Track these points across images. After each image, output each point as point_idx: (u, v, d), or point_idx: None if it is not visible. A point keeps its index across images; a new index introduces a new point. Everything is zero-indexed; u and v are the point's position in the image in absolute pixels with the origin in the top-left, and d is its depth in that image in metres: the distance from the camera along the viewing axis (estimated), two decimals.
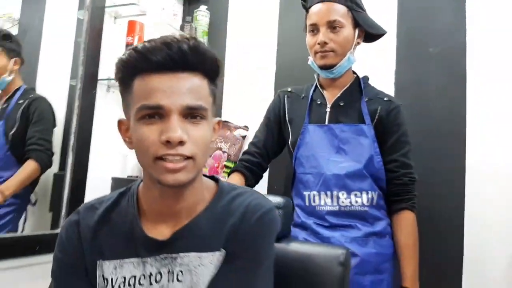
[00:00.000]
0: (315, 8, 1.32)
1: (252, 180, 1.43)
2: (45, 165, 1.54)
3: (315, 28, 1.33)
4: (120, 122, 0.76)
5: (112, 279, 0.74)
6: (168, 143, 0.67)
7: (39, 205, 1.57)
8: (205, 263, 0.74)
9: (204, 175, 0.82)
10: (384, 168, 1.32)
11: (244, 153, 1.50)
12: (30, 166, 1.51)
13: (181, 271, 0.73)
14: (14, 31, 1.62)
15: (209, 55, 0.72)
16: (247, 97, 1.96)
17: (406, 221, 1.30)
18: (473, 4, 1.60)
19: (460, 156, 1.56)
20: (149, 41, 0.69)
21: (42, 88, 1.65)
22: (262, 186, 1.81)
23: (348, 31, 1.31)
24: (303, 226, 1.34)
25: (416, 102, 1.64)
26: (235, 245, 0.75)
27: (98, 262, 0.76)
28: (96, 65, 1.62)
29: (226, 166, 1.89)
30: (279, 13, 1.96)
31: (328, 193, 1.30)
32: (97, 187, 1.65)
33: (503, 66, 1.54)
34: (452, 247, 1.54)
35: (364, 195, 1.30)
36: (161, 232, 0.76)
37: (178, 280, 0.73)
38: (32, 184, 1.54)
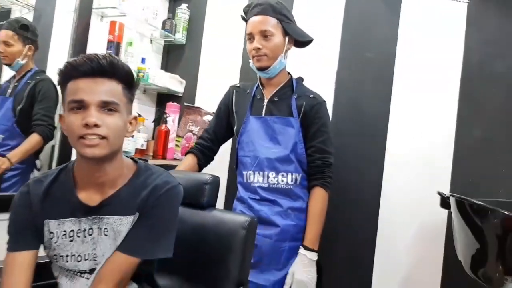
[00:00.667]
0: (251, 20, 1.58)
1: (203, 160, 1.73)
2: (47, 137, 1.79)
3: (251, 37, 1.58)
4: (60, 116, 1.02)
5: (56, 232, 1.02)
6: (86, 125, 0.92)
7: (43, 170, 1.81)
8: (124, 223, 1.02)
9: (126, 157, 1.10)
10: (305, 153, 1.59)
11: (198, 137, 1.80)
12: (34, 138, 1.76)
13: (106, 229, 1.02)
14: (30, 16, 1.89)
15: (122, 67, 0.98)
16: (217, 87, 2.22)
17: (316, 195, 1.57)
18: (405, 20, 1.85)
19: (382, 146, 1.84)
20: (79, 57, 0.97)
21: (53, 70, 1.86)
22: (224, 164, 2.15)
23: (278, 39, 1.57)
24: (241, 200, 1.64)
25: (352, 98, 1.92)
26: (145, 209, 1.01)
27: (45, 222, 1.02)
28: None
29: None
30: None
31: (261, 172, 1.59)
32: None
33: (424, 73, 1.80)
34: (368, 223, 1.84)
35: (289, 176, 1.57)
36: (92, 198, 1.02)
37: (105, 234, 1.02)
38: (37, 152, 1.80)
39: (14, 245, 1.02)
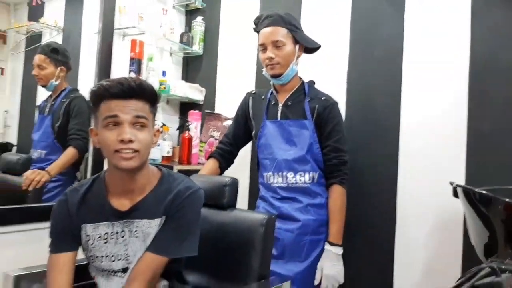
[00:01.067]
0: (263, 31, 1.69)
1: (224, 163, 1.85)
2: (82, 150, 1.94)
3: (264, 47, 1.69)
4: (91, 130, 1.15)
5: (92, 235, 1.15)
6: (122, 141, 1.05)
7: None
8: (152, 226, 1.14)
9: (152, 164, 1.23)
10: (321, 152, 1.69)
11: (219, 142, 1.93)
12: (70, 151, 1.92)
13: (136, 231, 1.14)
14: (59, 38, 2.08)
15: (148, 89, 1.12)
16: (235, 93, 2.33)
17: (335, 192, 1.67)
18: (410, 15, 1.90)
19: (395, 140, 1.90)
20: (111, 80, 1.10)
21: (83, 88, 2.03)
22: (246, 166, 2.27)
23: (289, 47, 1.68)
24: (263, 199, 1.76)
25: (362, 96, 1.99)
26: (170, 213, 1.14)
27: (82, 226, 1.16)
28: (108, 75, 2.03)
29: None
30: None
31: (280, 173, 1.70)
32: None
33: (431, 67, 1.84)
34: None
35: (307, 175, 1.68)
36: (123, 204, 1.15)
37: (135, 236, 1.14)
38: (77, 165, 1.96)
39: (55, 248, 1.16)
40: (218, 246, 1.40)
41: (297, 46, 1.70)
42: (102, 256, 1.16)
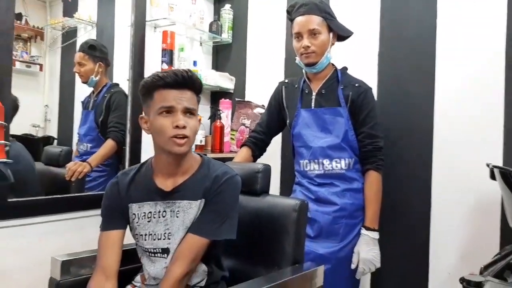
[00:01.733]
0: (298, 20, 1.68)
1: (256, 152, 1.88)
2: (120, 142, 2.02)
3: (299, 35, 1.69)
4: (141, 117, 1.25)
5: (138, 213, 1.24)
6: (177, 127, 1.14)
7: None
8: (193, 207, 1.21)
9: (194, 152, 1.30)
10: (356, 139, 1.70)
11: (252, 131, 1.96)
12: (109, 143, 2.03)
13: (178, 211, 1.22)
14: (93, 32, 2.16)
15: (197, 81, 1.21)
16: (265, 80, 2.36)
17: (370, 178, 1.68)
18: None
19: (429, 123, 1.86)
20: (166, 71, 1.18)
21: (118, 80, 2.10)
22: (276, 153, 2.28)
23: (324, 36, 1.67)
24: (300, 184, 1.79)
25: (395, 79, 1.95)
26: (210, 196, 1.21)
27: (129, 205, 1.25)
28: (142, 67, 2.08)
29: None
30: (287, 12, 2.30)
31: (316, 160, 1.71)
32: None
33: (466, 46, 1.78)
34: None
35: (343, 161, 1.69)
36: (166, 185, 1.23)
37: (176, 216, 1.22)
38: (119, 157, 2.06)
39: (106, 225, 1.25)
40: (252, 231, 1.43)
41: (331, 34, 1.70)
42: (146, 235, 1.24)
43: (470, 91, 1.77)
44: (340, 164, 1.69)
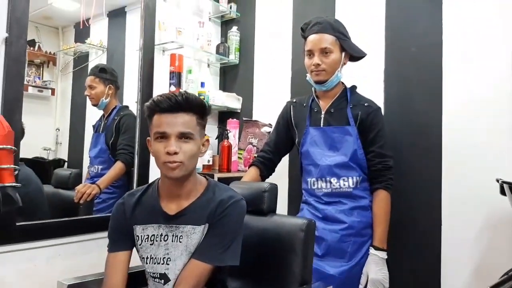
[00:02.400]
0: (311, 38, 1.71)
1: (265, 172, 1.87)
2: (129, 164, 2.03)
3: (311, 53, 1.71)
4: (148, 140, 1.25)
5: (141, 235, 1.24)
6: (168, 153, 1.14)
7: None
8: (196, 232, 1.20)
9: (199, 173, 1.30)
10: (365, 158, 1.69)
11: (260, 151, 1.96)
12: (118, 165, 2.04)
13: (181, 236, 1.20)
14: (104, 57, 2.22)
15: (195, 102, 1.20)
16: (271, 100, 2.39)
17: (379, 197, 1.67)
18: (448, 10, 1.84)
19: (438, 139, 1.83)
20: (161, 95, 1.19)
21: (128, 103, 2.14)
22: (284, 173, 2.27)
23: (336, 55, 1.69)
24: (307, 203, 1.78)
25: (401, 94, 1.94)
26: (214, 221, 1.20)
27: (134, 227, 1.25)
28: (150, 89, 2.10)
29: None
30: (292, 33, 2.34)
31: (324, 179, 1.71)
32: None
33: (474, 60, 1.77)
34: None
35: (350, 180, 1.69)
36: (171, 209, 1.23)
37: (179, 241, 1.20)
38: (130, 178, 2.06)
39: (112, 246, 1.26)
40: (259, 251, 1.41)
41: (343, 54, 1.71)
42: (148, 258, 1.23)
43: (478, 106, 1.75)
44: (347, 183, 1.69)
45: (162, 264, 1.21)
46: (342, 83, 1.79)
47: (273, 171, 1.93)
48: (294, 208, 1.92)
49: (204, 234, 1.20)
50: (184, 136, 1.17)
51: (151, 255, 1.23)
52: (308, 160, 1.76)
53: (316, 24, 1.70)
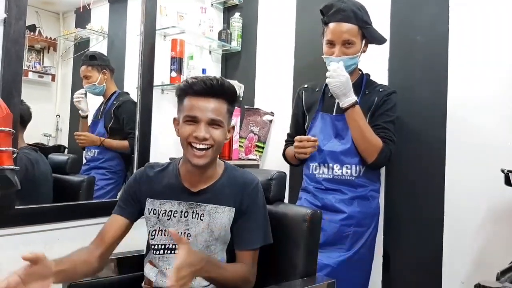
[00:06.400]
0: (333, 27, 1.65)
1: None
2: (132, 149, 2.07)
3: (332, 43, 1.66)
4: (174, 119, 1.26)
5: (158, 209, 1.25)
6: (196, 138, 1.15)
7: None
8: (219, 212, 1.22)
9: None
10: None
11: (285, 141, 1.94)
12: (124, 142, 2.09)
13: (203, 214, 1.22)
14: (105, 43, 2.20)
15: (229, 90, 1.20)
16: (273, 88, 2.37)
17: None
18: None
19: (442, 130, 1.81)
20: (195, 77, 1.18)
21: (129, 88, 2.15)
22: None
23: (357, 46, 1.66)
24: (306, 190, 1.76)
25: (405, 84, 1.90)
26: (243, 205, 1.23)
27: (147, 199, 1.26)
28: (151, 75, 2.09)
29: (257, 146, 2.34)
30: (296, 20, 2.31)
31: (326, 164, 1.69)
32: None
33: (480, 52, 1.73)
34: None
35: (353, 168, 1.67)
36: (192, 186, 1.24)
37: (201, 219, 1.22)
38: (128, 165, 2.10)
39: (118, 209, 1.28)
40: None
41: (364, 41, 1.68)
42: (165, 230, 1.24)
43: (484, 97, 1.72)
44: (350, 171, 1.66)
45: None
46: (360, 70, 1.76)
47: None
48: (295, 196, 1.90)
49: (231, 219, 1.22)
50: (214, 123, 1.17)
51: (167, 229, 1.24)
52: None
53: (339, 12, 1.64)
